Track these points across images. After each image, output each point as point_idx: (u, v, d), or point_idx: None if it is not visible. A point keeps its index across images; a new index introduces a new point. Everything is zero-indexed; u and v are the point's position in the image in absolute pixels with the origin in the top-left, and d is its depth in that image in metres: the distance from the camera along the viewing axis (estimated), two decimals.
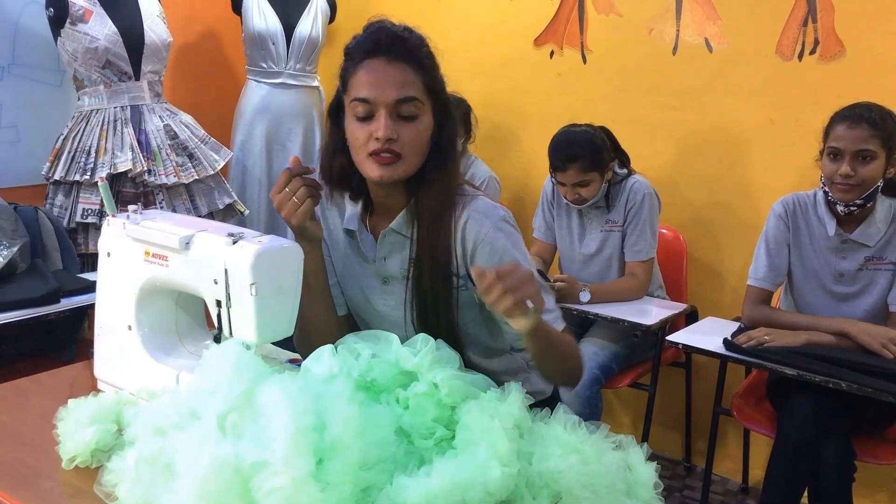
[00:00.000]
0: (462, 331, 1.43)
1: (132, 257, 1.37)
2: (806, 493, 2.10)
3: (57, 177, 2.66)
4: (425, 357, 1.20)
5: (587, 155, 2.53)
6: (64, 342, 2.48)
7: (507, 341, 1.50)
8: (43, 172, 2.72)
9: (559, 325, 1.41)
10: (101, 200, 2.63)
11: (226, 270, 1.25)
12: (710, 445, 2.41)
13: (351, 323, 1.56)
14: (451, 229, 1.38)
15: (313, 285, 1.41)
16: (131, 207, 1.41)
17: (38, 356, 2.40)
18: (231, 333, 1.28)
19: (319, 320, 1.45)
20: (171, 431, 1.01)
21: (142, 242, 1.36)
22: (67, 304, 2.24)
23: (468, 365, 1.30)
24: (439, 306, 1.39)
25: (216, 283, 1.27)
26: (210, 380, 1.02)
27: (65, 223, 2.65)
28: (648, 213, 2.61)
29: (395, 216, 1.42)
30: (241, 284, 1.24)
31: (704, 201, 2.89)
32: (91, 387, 1.47)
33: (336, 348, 1.21)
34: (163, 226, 1.34)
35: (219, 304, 1.28)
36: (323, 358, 1.18)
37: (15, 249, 2.28)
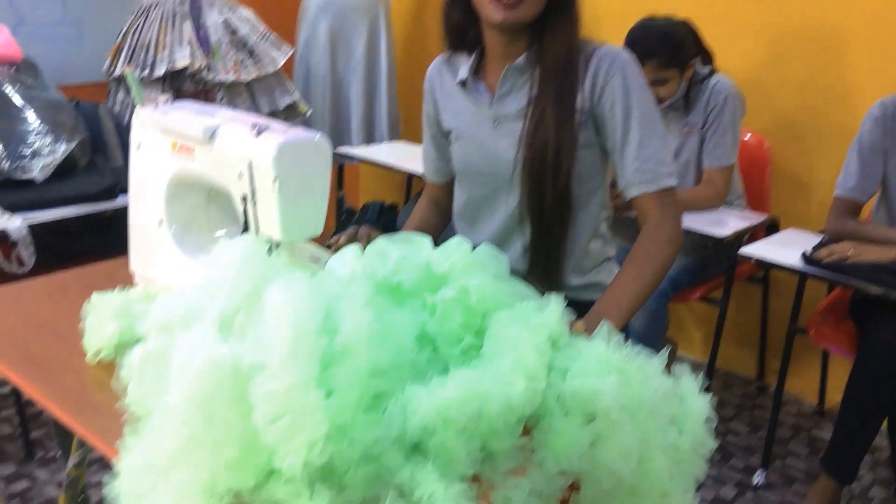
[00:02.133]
0: (572, 179, 1.42)
1: (160, 149, 1.32)
2: (886, 424, 1.96)
3: (117, 73, 2.63)
4: (458, 260, 1.11)
5: (666, 50, 2.33)
6: (125, 238, 2.50)
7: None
8: (104, 69, 2.69)
9: (671, 181, 1.41)
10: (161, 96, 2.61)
11: (250, 163, 1.18)
12: (783, 365, 2.27)
13: (449, 193, 1.64)
14: (577, 64, 1.40)
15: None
16: (160, 97, 1.34)
17: (101, 253, 2.43)
18: (258, 230, 1.22)
19: None
20: (178, 330, 0.96)
21: (169, 133, 1.30)
22: (125, 200, 2.24)
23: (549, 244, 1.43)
24: (562, 143, 1.37)
25: (241, 176, 1.20)
26: (217, 277, 0.96)
27: (126, 120, 2.64)
28: (731, 116, 2.40)
29: (514, 61, 1.43)
30: (265, 179, 1.17)
31: (794, 105, 2.65)
32: (128, 282, 1.45)
33: (363, 249, 1.14)
34: (189, 116, 1.27)
35: (244, 199, 1.21)
36: (346, 258, 1.11)
37: (74, 144, 2.28)
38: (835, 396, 2.75)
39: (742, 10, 2.68)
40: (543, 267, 1.50)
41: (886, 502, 2.30)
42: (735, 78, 2.47)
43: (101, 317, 1.17)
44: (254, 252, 0.98)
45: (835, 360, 2.69)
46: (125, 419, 0.98)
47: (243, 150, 1.19)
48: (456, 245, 1.13)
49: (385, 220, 3.09)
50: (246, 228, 1.23)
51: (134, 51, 2.62)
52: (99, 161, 2.37)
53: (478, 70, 1.51)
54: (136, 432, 0.90)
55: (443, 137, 1.60)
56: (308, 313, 0.86)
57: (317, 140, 1.20)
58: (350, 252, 1.12)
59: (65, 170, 2.26)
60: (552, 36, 1.40)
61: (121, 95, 2.67)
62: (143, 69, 2.60)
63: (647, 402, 1.02)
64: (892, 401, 1.87)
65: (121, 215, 2.30)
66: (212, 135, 1.23)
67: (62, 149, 2.23)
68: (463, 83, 1.51)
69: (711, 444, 1.09)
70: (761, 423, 2.66)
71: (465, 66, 1.50)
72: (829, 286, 2.49)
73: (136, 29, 2.64)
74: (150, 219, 1.37)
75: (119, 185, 2.24)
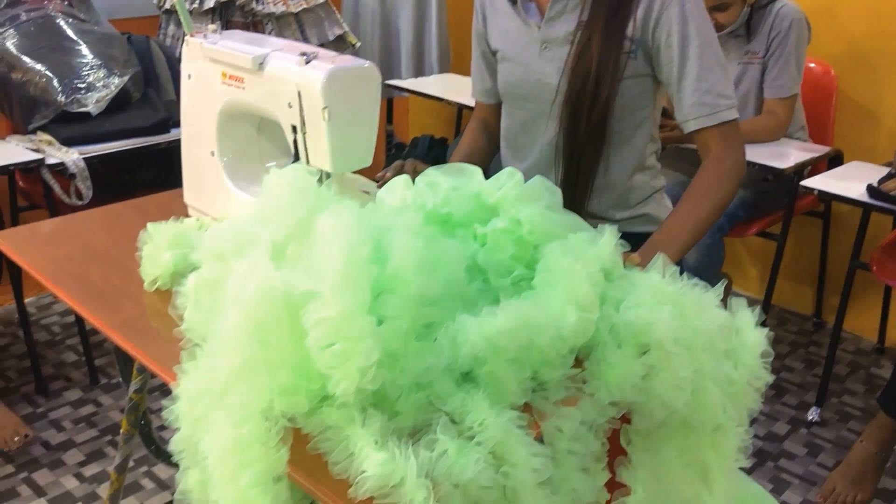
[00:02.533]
0: (614, 111, 1.38)
1: (210, 79, 1.31)
2: None
3: (167, 6, 2.62)
4: (510, 191, 1.09)
5: None
6: (179, 173, 2.53)
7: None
8: (154, 1, 2.69)
9: (733, 114, 1.36)
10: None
11: (298, 93, 1.17)
12: (843, 301, 2.21)
13: (498, 115, 1.59)
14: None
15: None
16: (210, 27, 1.33)
17: (156, 187, 2.47)
18: (308, 161, 1.21)
19: None
20: (231, 258, 0.97)
21: (218, 63, 1.29)
22: (177, 133, 2.26)
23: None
24: (603, 73, 1.33)
25: (290, 106, 1.19)
26: (268, 206, 0.96)
27: (177, 53, 2.64)
28: (795, 43, 2.30)
29: None
30: (314, 108, 1.16)
31: (863, 30, 2.52)
32: (183, 213, 1.46)
33: (413, 180, 1.12)
34: (238, 45, 1.26)
35: (294, 129, 1.21)
36: (397, 189, 1.10)
37: (126, 78, 2.29)
38: (895, 335, 2.69)
39: None
40: (570, 203, 1.44)
41: None
42: (800, 2, 2.35)
43: (157, 246, 1.19)
44: (304, 181, 0.97)
45: None
46: (182, 345, 1.00)
47: (292, 79, 1.17)
48: (508, 176, 1.11)
49: (435, 154, 3.07)
50: (296, 159, 1.23)
51: None
52: (151, 95, 2.39)
53: None
54: (193, 358, 0.92)
55: (491, 56, 1.55)
56: (359, 241, 0.85)
57: (366, 67, 1.18)
58: (400, 182, 1.11)
59: (118, 103, 2.28)
60: None
61: (171, 29, 2.67)
62: (192, 2, 2.58)
63: (702, 334, 1.00)
64: None
65: (174, 148, 2.34)
66: (261, 64, 1.22)
67: (115, 82, 2.25)
68: (513, 1, 1.45)
69: (767, 377, 1.07)
70: (817, 360, 2.61)
71: None
72: (894, 221, 2.40)
73: None
74: (202, 150, 1.37)
75: (172, 119, 2.26)
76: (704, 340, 1.00)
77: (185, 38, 1.36)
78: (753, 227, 2.41)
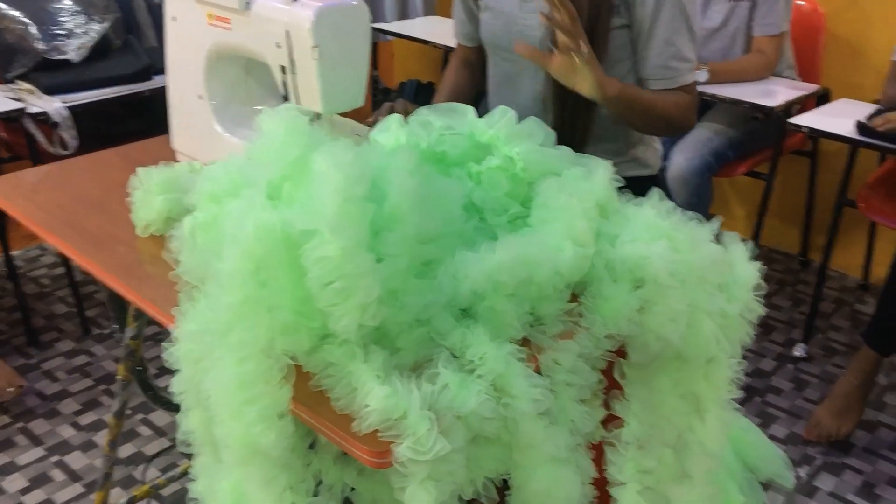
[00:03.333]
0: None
1: (196, 21, 1.29)
2: None
3: None
4: (502, 129, 1.09)
5: None
6: (164, 121, 2.50)
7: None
8: None
9: (690, 78, 1.39)
10: None
11: (287, 32, 1.15)
12: (830, 238, 2.24)
13: (481, 55, 1.58)
14: None
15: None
16: None
17: (142, 135, 2.44)
18: (298, 102, 1.20)
19: None
20: (226, 199, 0.96)
21: (204, 4, 1.26)
22: (161, 81, 2.22)
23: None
24: (592, 28, 1.31)
25: (279, 46, 1.17)
26: (262, 146, 0.95)
27: None
28: None
29: None
30: (303, 48, 1.14)
31: None
32: (171, 159, 1.45)
33: (406, 119, 1.12)
34: None
35: (283, 70, 1.19)
36: (390, 128, 1.09)
37: (107, 24, 2.25)
38: (879, 272, 2.72)
39: None
40: None
41: None
42: None
43: (148, 191, 1.18)
44: (298, 121, 0.96)
45: (881, 235, 2.65)
46: (179, 288, 1.01)
47: (281, 18, 1.15)
48: (500, 114, 1.10)
49: (422, 98, 3.04)
50: (286, 100, 1.22)
51: None
52: (132, 41, 2.35)
53: None
54: (192, 299, 0.92)
55: (473, 2, 1.53)
56: (356, 179, 0.85)
57: (356, 5, 1.16)
58: (393, 122, 1.10)
59: (99, 51, 2.24)
60: None
61: None
62: None
63: (696, 267, 1.01)
64: None
65: (158, 96, 2.31)
66: (248, 4, 1.19)
67: (96, 28, 2.21)
68: None
69: (760, 310, 1.09)
70: (803, 297, 2.65)
71: None
72: (880, 158, 2.42)
73: None
74: (189, 94, 1.35)
75: (155, 66, 2.22)
76: (698, 274, 1.01)
77: None
78: (742, 167, 2.42)
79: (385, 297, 0.84)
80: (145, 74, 2.19)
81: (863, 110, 2.04)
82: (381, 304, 0.83)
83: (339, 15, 1.14)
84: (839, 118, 2.04)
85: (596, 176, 1.05)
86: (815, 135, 2.02)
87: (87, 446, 1.99)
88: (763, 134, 2.42)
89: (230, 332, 0.83)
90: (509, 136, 1.06)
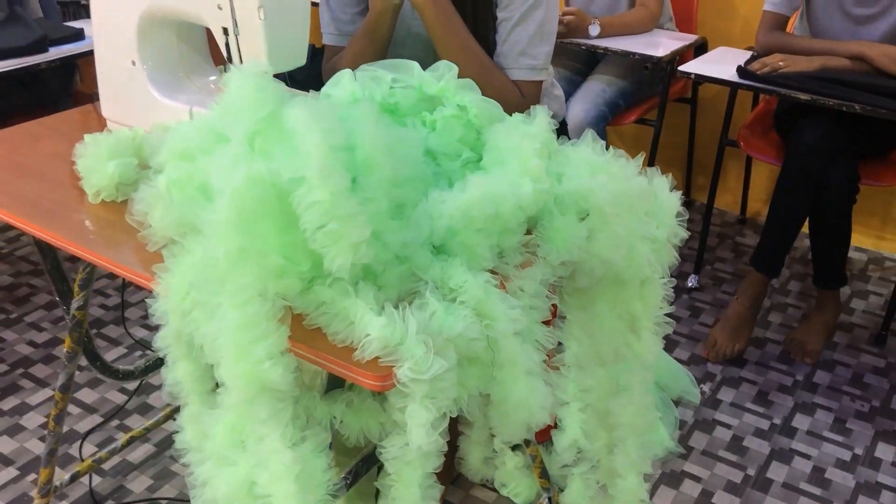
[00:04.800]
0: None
1: None
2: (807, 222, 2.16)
3: None
4: (450, 82, 1.16)
5: None
6: (57, 94, 2.42)
7: None
8: None
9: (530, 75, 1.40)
10: None
11: None
12: (714, 176, 2.44)
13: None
14: None
15: (379, 39, 1.44)
16: None
17: (33, 110, 2.35)
18: (241, 62, 1.23)
19: None
20: (199, 155, 0.99)
21: None
22: (57, 52, 2.15)
23: None
24: (478, 21, 1.36)
25: (220, 8, 1.19)
26: (233, 102, 0.99)
27: None
28: None
29: None
30: (247, 8, 1.17)
31: None
32: (100, 127, 1.44)
33: (355, 74, 1.17)
34: None
35: (226, 31, 1.21)
36: (343, 82, 1.15)
37: None
38: (754, 206, 2.98)
39: None
40: None
41: (801, 292, 2.57)
42: None
43: (98, 158, 1.18)
44: (264, 79, 1.00)
45: (756, 173, 2.89)
46: (150, 248, 1.03)
47: None
48: (446, 67, 1.17)
49: (317, 62, 3.04)
50: (229, 60, 1.24)
51: None
52: (20, 12, 2.24)
53: None
54: (174, 254, 0.96)
55: None
56: (334, 130, 0.91)
57: None
58: (345, 76, 1.15)
59: None
60: None
61: None
62: None
63: (629, 197, 1.12)
64: (815, 196, 2.06)
65: (52, 69, 2.23)
66: None
67: None
68: None
69: (683, 234, 1.22)
70: (691, 234, 2.86)
71: None
72: (753, 102, 2.64)
73: None
74: (121, 61, 1.34)
75: (48, 38, 2.14)
76: (632, 203, 1.13)
77: None
78: (632, 115, 2.58)
79: (369, 237, 0.91)
80: (41, 46, 2.10)
81: (740, 57, 2.23)
82: (368, 244, 0.90)
83: None
84: (720, 64, 2.22)
85: (537, 120, 1.14)
86: (702, 80, 2.20)
87: (15, 430, 1.95)
88: (650, 83, 2.59)
89: (228, 279, 0.87)
90: (458, 87, 1.14)
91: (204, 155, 0.99)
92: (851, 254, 2.79)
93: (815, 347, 2.24)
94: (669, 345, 2.31)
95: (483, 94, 1.15)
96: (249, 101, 0.98)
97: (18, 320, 2.35)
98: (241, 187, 0.87)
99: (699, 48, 2.57)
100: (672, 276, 1.29)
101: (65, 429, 1.94)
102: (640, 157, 1.20)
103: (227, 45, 1.23)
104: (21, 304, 2.42)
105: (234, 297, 0.87)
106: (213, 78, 1.42)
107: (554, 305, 1.15)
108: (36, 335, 2.29)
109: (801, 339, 2.26)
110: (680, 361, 2.22)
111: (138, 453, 1.88)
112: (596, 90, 2.48)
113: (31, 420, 1.98)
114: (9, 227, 2.76)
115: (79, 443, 1.85)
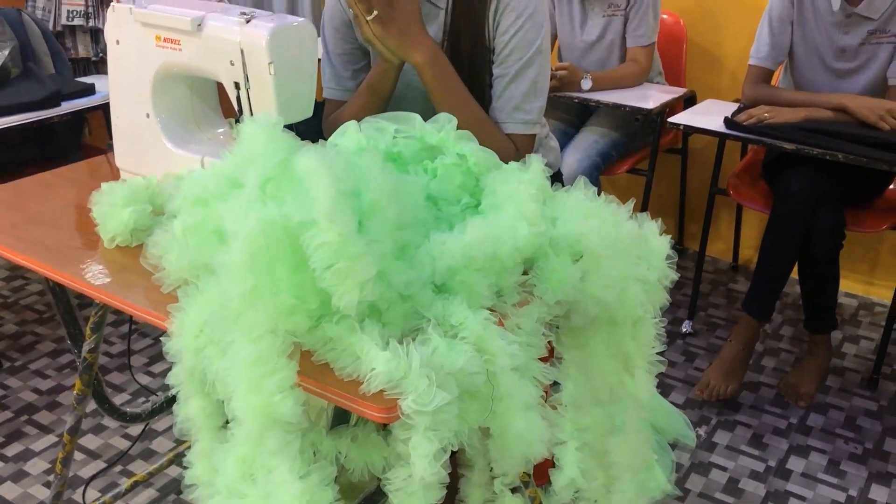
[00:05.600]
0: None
1: (143, 43, 1.36)
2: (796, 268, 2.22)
3: None
4: (450, 132, 1.23)
5: None
6: (66, 147, 2.49)
7: None
8: None
9: (523, 129, 1.45)
10: (86, 0, 2.55)
11: (241, 50, 1.25)
12: (706, 224, 2.51)
13: None
14: (486, 0, 1.39)
15: (382, 94, 1.48)
16: None
17: (42, 163, 2.42)
18: (252, 115, 1.29)
19: None
20: (213, 201, 1.05)
21: (152, 27, 1.34)
22: (68, 106, 2.23)
23: None
24: (475, 78, 1.42)
25: (232, 64, 1.27)
26: (247, 151, 1.05)
27: (50, 27, 2.57)
28: None
29: None
30: (258, 64, 1.24)
31: None
32: (112, 177, 1.50)
33: (360, 126, 1.24)
34: (171, 9, 1.32)
35: (237, 85, 1.28)
36: (349, 132, 1.21)
37: (6, 53, 2.23)
38: (746, 253, 3.04)
39: None
40: None
41: (794, 337, 2.62)
42: None
43: (114, 205, 1.24)
44: (276, 128, 1.06)
45: (746, 221, 2.96)
46: (164, 290, 1.08)
47: (234, 38, 1.25)
48: (446, 119, 1.24)
49: (318, 113, 3.13)
50: (240, 113, 1.31)
51: None
52: (33, 69, 2.33)
53: None
54: (188, 295, 1.01)
55: (360, 51, 1.57)
56: (342, 175, 0.96)
57: (303, 23, 1.27)
58: (351, 127, 1.22)
59: None
60: None
61: (41, 1, 2.59)
62: None
63: (621, 241, 1.18)
64: (803, 242, 2.12)
65: (65, 122, 2.31)
66: (199, 25, 1.28)
67: None
68: None
69: (673, 275, 1.27)
70: (684, 281, 2.92)
71: None
72: (741, 152, 2.72)
73: None
74: (136, 113, 1.41)
75: (60, 93, 2.22)
76: (623, 246, 1.19)
77: (112, 4, 1.39)
78: (625, 165, 2.66)
79: (375, 277, 0.96)
80: (54, 100, 2.18)
81: (727, 108, 2.32)
82: (373, 283, 0.95)
83: (291, 33, 1.25)
84: (708, 116, 2.30)
85: (532, 168, 1.20)
86: (691, 131, 2.28)
87: (19, 476, 1.97)
88: (641, 134, 2.68)
89: (242, 317, 0.92)
90: (457, 138, 1.21)
91: (218, 200, 1.05)
92: (842, 299, 2.84)
93: (808, 391, 2.28)
94: (665, 389, 2.35)
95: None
96: (262, 150, 1.04)
97: (23, 367, 2.38)
98: (255, 230, 0.92)
99: (688, 101, 2.66)
100: (666, 321, 1.34)
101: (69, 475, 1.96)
102: (631, 203, 1.26)
103: (238, 98, 1.30)
104: (26, 352, 2.46)
105: (247, 333, 0.92)
106: (221, 130, 1.49)
107: (550, 345, 1.20)
108: (40, 382, 2.32)
109: (794, 383, 2.30)
110: (675, 405, 2.25)
111: (141, 498, 1.90)
112: (589, 141, 2.56)
113: (35, 466, 2.00)
114: (14, 277, 2.81)
115: (82, 488, 1.87)
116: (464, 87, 1.43)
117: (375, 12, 1.31)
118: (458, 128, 1.24)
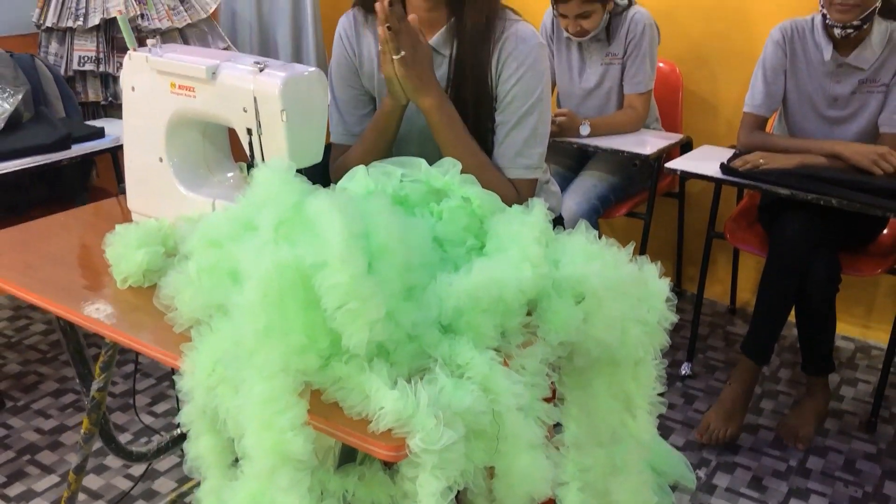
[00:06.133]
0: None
1: (158, 90, 1.40)
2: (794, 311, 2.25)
3: (49, 23, 2.61)
4: (455, 176, 1.27)
5: None
6: (74, 189, 2.53)
7: None
8: (34, 19, 2.66)
9: (524, 174, 1.49)
10: (97, 47, 2.62)
11: (255, 98, 1.29)
12: (703, 267, 2.54)
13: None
14: (490, 50, 1.44)
15: (387, 135, 1.52)
16: (150, 41, 1.42)
17: (50, 203, 2.46)
18: (263, 160, 1.34)
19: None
20: (227, 243, 1.08)
21: (167, 74, 1.38)
22: (78, 150, 2.28)
23: None
24: (478, 124, 1.46)
25: (245, 111, 1.31)
26: (261, 194, 1.09)
27: (61, 71, 2.63)
28: (649, 45, 2.62)
29: (433, 34, 1.47)
30: (270, 111, 1.28)
31: (701, 31, 2.89)
32: (124, 219, 1.53)
33: (368, 170, 1.28)
34: (187, 57, 1.37)
35: (249, 131, 1.33)
36: (358, 177, 1.25)
37: (20, 97, 2.28)
38: (744, 296, 3.07)
39: None
40: None
41: (792, 380, 2.64)
42: (649, 8, 2.68)
43: (128, 246, 1.27)
44: (289, 172, 1.10)
45: (743, 264, 3.00)
46: (176, 329, 1.11)
47: (248, 86, 1.29)
48: (451, 164, 1.29)
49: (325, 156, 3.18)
50: (252, 157, 1.35)
51: (65, 1, 2.60)
52: (45, 112, 2.38)
53: None
54: (201, 334, 1.03)
55: (367, 96, 1.62)
56: (353, 218, 1.00)
57: (314, 72, 1.32)
58: (360, 172, 1.26)
59: (11, 123, 2.26)
60: (473, 5, 1.44)
61: (53, 46, 2.66)
62: (76, 19, 2.59)
63: (622, 283, 1.21)
64: (799, 286, 2.16)
65: (74, 164, 2.35)
66: (214, 73, 1.33)
67: (10, 100, 2.24)
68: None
69: (673, 317, 1.30)
70: (683, 324, 2.94)
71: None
72: (737, 197, 2.77)
73: None
74: (149, 157, 1.45)
75: (73, 135, 2.26)
76: (624, 289, 1.22)
77: (129, 52, 1.44)
78: (623, 209, 2.71)
79: (383, 317, 0.99)
80: (65, 143, 2.23)
81: (723, 154, 2.37)
82: (382, 323, 0.98)
83: (302, 82, 1.30)
84: (704, 161, 2.35)
85: (535, 211, 1.24)
86: (688, 176, 2.33)
87: None
88: (639, 179, 2.73)
89: (255, 355, 0.95)
90: (462, 182, 1.25)
91: (232, 242, 1.08)
92: (839, 343, 2.86)
93: (806, 433, 2.29)
94: (664, 431, 2.36)
95: None
96: (275, 193, 1.08)
97: (25, 407, 2.39)
98: (269, 272, 0.96)
99: (685, 146, 2.72)
100: (666, 363, 1.36)
101: None
102: (631, 246, 1.30)
103: (250, 143, 1.34)
104: (28, 392, 2.47)
105: (260, 371, 0.94)
106: (231, 174, 1.53)
107: (553, 386, 1.22)
108: (43, 422, 2.33)
109: (792, 425, 2.31)
110: (675, 447, 2.26)
111: None
112: (587, 185, 2.61)
113: (65, 495, 2.00)
114: (18, 317, 2.83)
115: None
116: (468, 133, 1.48)
117: (403, 53, 1.36)
118: (462, 172, 1.29)
